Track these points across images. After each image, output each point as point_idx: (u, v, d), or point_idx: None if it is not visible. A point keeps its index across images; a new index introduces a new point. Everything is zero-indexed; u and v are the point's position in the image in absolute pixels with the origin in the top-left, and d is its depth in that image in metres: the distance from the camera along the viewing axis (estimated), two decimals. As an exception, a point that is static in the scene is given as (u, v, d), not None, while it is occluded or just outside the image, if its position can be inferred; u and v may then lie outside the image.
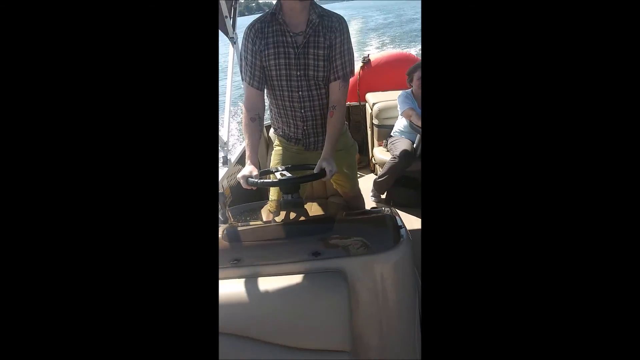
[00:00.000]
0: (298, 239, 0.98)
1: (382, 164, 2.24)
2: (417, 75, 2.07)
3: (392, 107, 2.36)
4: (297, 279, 0.85)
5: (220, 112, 1.90)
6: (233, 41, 2.09)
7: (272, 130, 1.55)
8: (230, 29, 2.03)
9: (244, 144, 1.30)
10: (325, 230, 1.01)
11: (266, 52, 1.19)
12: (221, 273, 0.88)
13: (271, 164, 1.45)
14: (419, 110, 2.08)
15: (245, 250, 0.97)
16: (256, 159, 1.24)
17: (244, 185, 1.15)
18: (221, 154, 1.93)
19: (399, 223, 1.01)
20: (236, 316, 0.83)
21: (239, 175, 1.16)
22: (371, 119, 2.55)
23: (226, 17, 1.98)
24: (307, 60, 1.20)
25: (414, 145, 2.11)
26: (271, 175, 1.31)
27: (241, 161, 2.02)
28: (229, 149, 2.04)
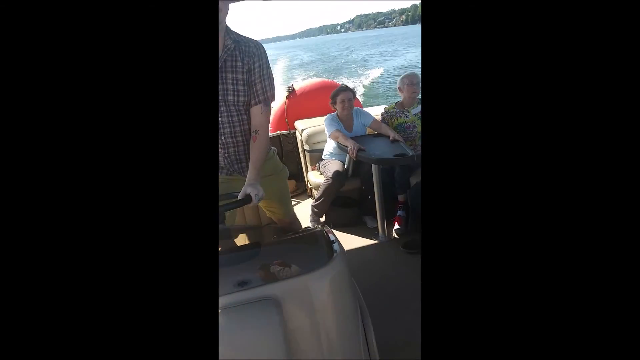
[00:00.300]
0: (222, 271, 0.90)
1: (317, 188, 2.25)
2: (340, 98, 2.16)
3: (320, 132, 2.42)
4: (223, 313, 0.77)
5: None
6: None
7: None
8: None
9: None
10: (251, 258, 0.95)
11: None
12: None
13: None
14: (346, 131, 2.15)
15: None
16: None
17: None
18: None
19: (332, 238, 0.98)
20: None
21: None
22: (302, 145, 2.59)
23: None
24: (226, 85, 1.18)
25: (345, 165, 2.16)
26: None
27: None
28: None
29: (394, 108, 2.26)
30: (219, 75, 1.16)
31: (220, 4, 1.05)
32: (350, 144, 1.96)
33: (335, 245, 0.93)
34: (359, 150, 1.92)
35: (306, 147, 2.52)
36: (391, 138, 2.04)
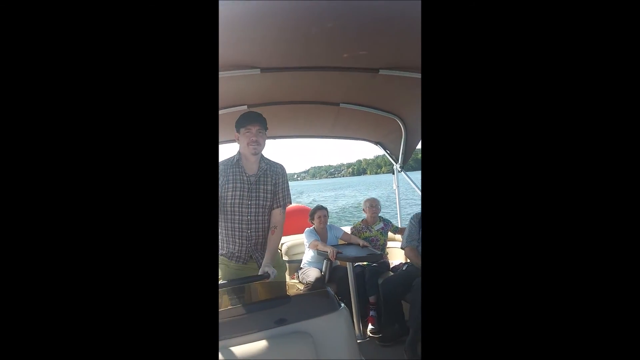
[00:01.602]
0: (262, 313, 1.19)
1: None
2: (317, 215, 2.67)
3: (298, 244, 2.82)
4: (267, 343, 1.06)
5: None
6: None
7: None
8: None
9: None
10: (283, 304, 1.24)
11: (227, 186, 1.59)
12: None
13: None
14: (321, 243, 2.59)
15: (223, 326, 1.11)
16: None
17: None
18: None
19: (333, 294, 1.33)
20: None
21: None
22: (281, 257, 2.92)
23: None
24: (258, 193, 1.64)
25: (322, 272, 2.50)
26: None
27: None
28: None
29: (360, 224, 2.79)
30: (256, 187, 1.63)
31: (259, 138, 1.59)
32: (329, 249, 2.36)
33: (338, 301, 1.27)
34: (337, 253, 2.31)
35: (285, 258, 2.85)
36: (361, 245, 2.50)
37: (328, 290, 1.35)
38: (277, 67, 1.63)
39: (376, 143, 2.96)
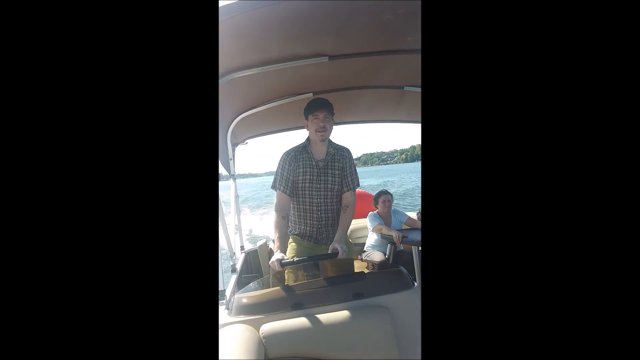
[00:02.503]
0: (341, 286, 1.27)
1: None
2: (382, 199, 2.70)
3: (361, 228, 2.87)
4: (348, 313, 1.14)
5: (229, 232, 2.22)
6: (234, 178, 2.59)
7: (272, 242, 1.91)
8: (233, 169, 2.56)
9: (274, 237, 1.63)
10: (360, 279, 1.31)
11: (298, 171, 1.69)
12: (284, 314, 1.13)
13: (288, 257, 1.76)
14: (385, 227, 2.61)
15: (301, 297, 1.21)
16: (284, 249, 1.56)
17: (277, 268, 1.43)
18: (230, 263, 2.15)
19: (406, 273, 1.36)
20: (303, 342, 1.05)
21: (273, 260, 1.46)
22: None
23: (231, 159, 2.54)
24: (327, 177, 1.72)
25: (386, 255, 2.53)
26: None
27: (245, 266, 2.25)
28: (236, 258, 2.27)
29: None
30: (324, 172, 1.71)
31: (327, 124, 1.66)
32: (394, 233, 2.38)
33: (412, 279, 1.31)
34: (403, 237, 2.33)
35: (349, 241, 2.93)
36: (427, 230, 2.48)
37: (401, 269, 1.39)
38: (345, 53, 1.66)
39: None
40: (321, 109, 1.65)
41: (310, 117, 1.67)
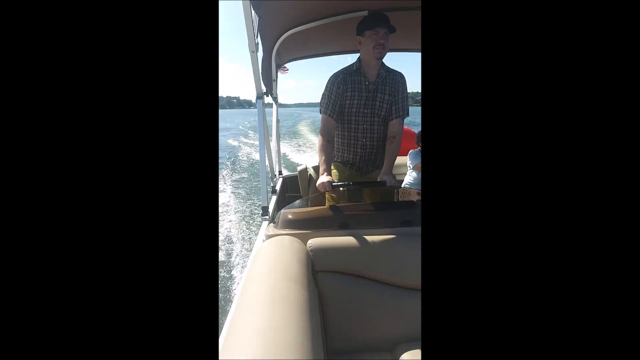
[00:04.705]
0: (390, 213, 1.24)
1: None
2: (425, 137, 2.57)
3: (401, 165, 2.80)
4: (396, 238, 1.11)
5: (272, 155, 2.22)
6: (276, 101, 2.51)
7: (311, 169, 1.89)
8: (275, 90, 2.48)
9: (320, 160, 1.59)
10: (408, 207, 1.28)
11: (345, 94, 1.59)
12: (331, 232, 1.12)
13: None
14: None
15: (349, 218, 1.21)
16: (330, 171, 1.53)
17: (327, 189, 1.41)
18: (271, 184, 2.19)
19: None
20: (349, 259, 1.06)
21: (320, 182, 1.43)
22: None
23: (274, 80, 2.44)
24: (375, 102, 1.61)
25: (424, 194, 2.49)
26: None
27: (282, 189, 2.30)
28: (277, 180, 2.32)
29: None
30: (374, 95, 1.59)
31: (386, 42, 1.50)
32: (437, 172, 2.31)
33: None
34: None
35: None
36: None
37: None
38: None
39: None
40: (383, 25, 1.49)
41: (368, 32, 1.51)
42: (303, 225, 1.20)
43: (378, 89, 1.60)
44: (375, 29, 1.49)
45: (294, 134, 18.60)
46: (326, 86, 1.64)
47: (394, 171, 2.87)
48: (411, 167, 2.57)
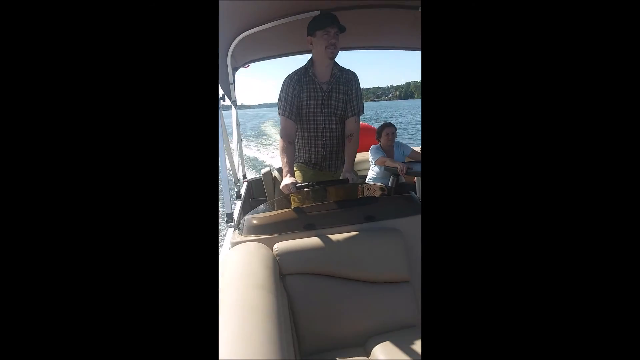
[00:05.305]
0: (353, 209, 1.27)
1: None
2: (385, 132, 2.63)
3: (363, 161, 2.85)
4: (360, 234, 1.14)
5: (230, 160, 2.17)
6: (235, 104, 2.47)
7: (276, 171, 1.89)
8: (233, 94, 2.43)
9: (282, 162, 1.59)
10: (370, 203, 1.31)
11: (302, 95, 1.60)
12: (296, 234, 1.13)
13: None
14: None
15: (313, 218, 1.22)
16: (294, 172, 1.53)
17: (292, 191, 1.41)
18: (235, 189, 2.15)
19: (417, 198, 1.36)
20: (316, 260, 1.07)
21: (285, 184, 1.43)
22: None
23: (231, 84, 2.39)
24: (331, 101, 1.63)
25: (389, 187, 2.55)
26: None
27: (247, 194, 2.27)
28: (241, 184, 2.28)
29: None
30: (329, 95, 1.61)
31: (337, 42, 1.53)
32: (398, 165, 2.37)
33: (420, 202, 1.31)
34: (407, 168, 2.33)
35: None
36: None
37: (412, 194, 1.39)
38: None
39: None
40: (333, 24, 1.51)
41: (319, 32, 1.52)
42: (268, 230, 1.20)
43: (332, 88, 1.63)
44: (326, 29, 1.51)
45: (258, 135, 18.39)
46: (282, 88, 1.64)
47: (357, 167, 2.93)
48: (373, 162, 2.63)
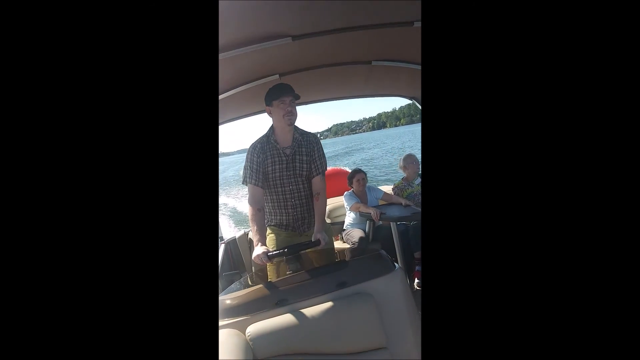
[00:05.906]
0: (324, 277, 1.26)
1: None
2: (356, 178, 2.70)
3: (340, 207, 2.88)
4: (332, 304, 1.14)
5: None
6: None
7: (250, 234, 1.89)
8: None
9: (252, 231, 1.58)
10: (341, 269, 1.31)
11: (266, 162, 1.64)
12: (269, 313, 1.12)
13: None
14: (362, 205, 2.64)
15: (286, 293, 1.20)
16: (265, 241, 1.53)
17: (264, 261, 1.40)
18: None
19: (387, 255, 1.38)
20: (290, 339, 1.05)
21: (255, 254, 1.42)
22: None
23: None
24: (295, 164, 1.68)
25: (366, 232, 2.57)
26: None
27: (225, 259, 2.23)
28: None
29: (402, 183, 2.80)
30: (292, 159, 1.66)
31: (293, 108, 1.61)
32: (372, 210, 2.41)
33: (393, 262, 1.32)
34: (381, 213, 2.36)
35: (328, 220, 2.94)
36: (404, 204, 2.52)
37: (382, 253, 1.41)
38: (309, 32, 1.59)
39: (411, 98, 2.87)
40: (288, 93, 1.59)
41: (275, 102, 1.60)
42: (240, 312, 1.17)
43: (295, 152, 1.68)
44: (281, 99, 1.59)
45: (239, 182, 18.29)
46: (246, 157, 1.68)
47: (334, 213, 2.96)
48: (348, 208, 2.66)
